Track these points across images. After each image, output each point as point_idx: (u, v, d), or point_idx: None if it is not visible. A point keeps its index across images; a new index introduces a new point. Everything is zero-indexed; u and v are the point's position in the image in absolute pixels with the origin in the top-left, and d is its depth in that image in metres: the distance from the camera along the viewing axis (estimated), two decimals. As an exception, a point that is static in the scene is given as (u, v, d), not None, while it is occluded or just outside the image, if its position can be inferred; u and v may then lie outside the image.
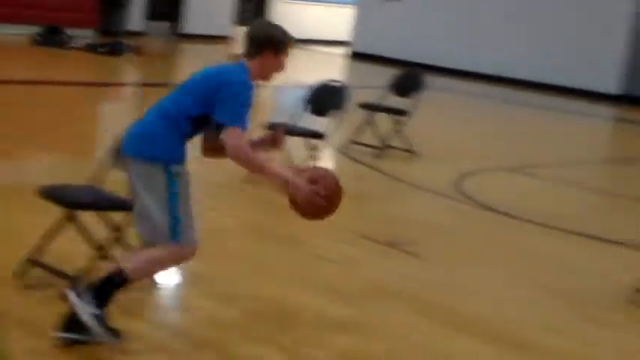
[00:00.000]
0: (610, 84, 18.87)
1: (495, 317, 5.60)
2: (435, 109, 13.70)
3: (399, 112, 10.50)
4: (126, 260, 4.44)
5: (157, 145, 4.32)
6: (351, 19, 23.59)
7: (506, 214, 8.25)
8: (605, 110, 18.23)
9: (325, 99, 8.94)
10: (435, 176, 9.70)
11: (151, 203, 4.31)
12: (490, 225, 8.11)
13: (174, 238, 4.31)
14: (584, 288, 6.36)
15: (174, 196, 4.31)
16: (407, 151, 10.37)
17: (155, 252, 4.36)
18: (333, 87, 9.08)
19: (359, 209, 7.81)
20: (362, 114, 10.53)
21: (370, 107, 10.64)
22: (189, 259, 4.47)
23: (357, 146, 10.35)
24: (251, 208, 7.65)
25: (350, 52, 23.33)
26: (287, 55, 4.51)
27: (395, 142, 10.36)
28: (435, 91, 13.17)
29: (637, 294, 6.02)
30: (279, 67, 4.48)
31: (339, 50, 24.05)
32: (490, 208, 8.50)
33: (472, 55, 20.66)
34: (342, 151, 10.28)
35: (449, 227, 7.75)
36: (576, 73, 19.16)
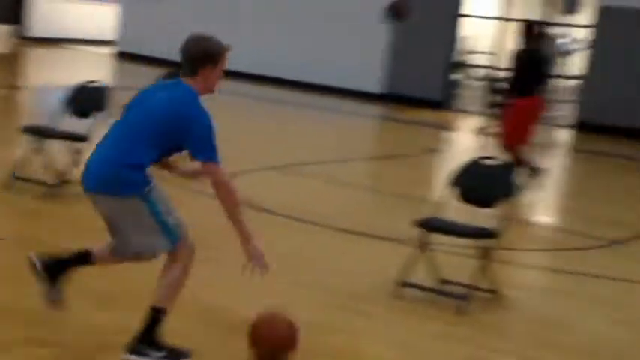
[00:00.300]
0: (374, 83, 19.46)
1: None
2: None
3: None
4: (157, 298, 4.58)
5: (125, 186, 4.41)
6: (116, 18, 23.08)
7: (276, 213, 8.28)
8: (371, 109, 18.78)
9: (86, 100, 8.60)
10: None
11: (137, 226, 4.47)
12: (261, 225, 8.09)
13: (173, 242, 4.52)
14: (352, 284, 6.46)
15: (154, 206, 4.44)
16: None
17: (170, 275, 4.58)
18: (95, 87, 8.76)
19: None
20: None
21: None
22: (194, 251, 4.66)
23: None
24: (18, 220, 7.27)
25: (115, 52, 22.84)
26: (225, 62, 4.57)
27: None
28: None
29: (400, 288, 6.18)
30: (220, 75, 4.55)
31: (105, 50, 23.48)
32: (256, 208, 8.51)
33: (236, 54, 20.68)
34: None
35: (217, 228, 7.67)
36: (343, 73, 19.63)
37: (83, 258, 4.71)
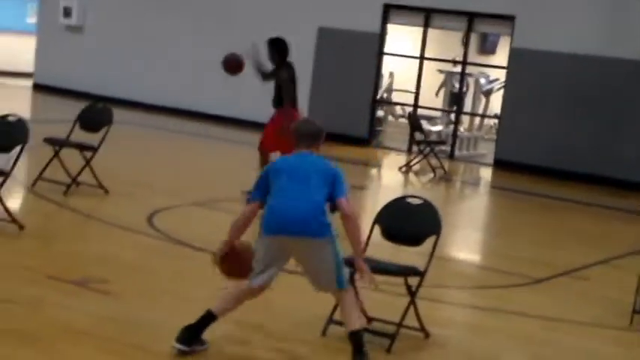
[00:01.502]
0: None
1: (185, 356, 5.51)
2: (122, 144, 13.41)
3: (87, 148, 10.12)
4: (348, 327, 5.64)
5: (322, 227, 5.59)
6: (34, 50, 22.72)
7: (200, 249, 8.17)
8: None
9: (3, 134, 8.40)
10: (127, 213, 9.46)
11: (322, 268, 5.63)
12: (185, 260, 8.00)
13: (342, 286, 5.65)
14: (276, 321, 6.38)
15: (339, 256, 5.64)
16: (96, 187, 10.04)
17: (346, 311, 5.71)
18: (11, 121, 8.55)
19: (46, 248, 7.42)
20: (48, 149, 10.07)
21: (56, 142, 10.20)
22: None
23: (44, 183, 9.87)
24: None
25: (33, 84, 22.47)
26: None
27: (83, 179, 10.00)
28: (122, 124, 12.87)
29: (327, 326, 6.12)
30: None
31: (24, 82, 23.08)
32: (184, 244, 8.40)
33: (152, 87, 20.62)
34: (28, 189, 9.77)
35: (142, 264, 7.56)
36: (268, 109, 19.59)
37: (208, 319, 5.60)
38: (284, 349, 5.84)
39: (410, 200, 6.54)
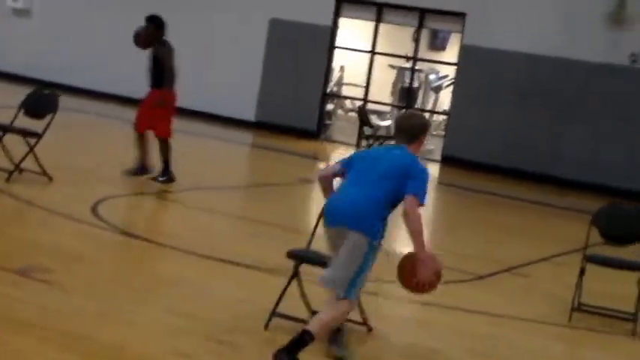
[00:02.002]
0: (249, 111, 19.42)
1: (131, 344, 5.46)
2: (67, 131, 13.25)
3: (31, 134, 9.96)
4: (313, 325, 5.39)
5: (370, 224, 5.49)
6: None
7: (145, 239, 8.10)
8: (244, 136, 18.72)
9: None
10: (71, 201, 9.35)
11: (347, 261, 5.47)
12: (129, 250, 7.93)
13: (348, 295, 5.47)
14: (221, 313, 6.34)
15: (366, 265, 5.51)
16: (40, 174, 9.89)
17: (330, 314, 5.47)
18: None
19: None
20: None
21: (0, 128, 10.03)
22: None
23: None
24: None
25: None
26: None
27: (27, 165, 9.85)
28: (68, 111, 12.72)
29: (270, 319, 6.10)
30: (424, 144, 5.94)
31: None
32: (128, 233, 8.32)
33: (99, 74, 20.38)
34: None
35: (86, 253, 7.47)
36: (216, 99, 19.52)
37: (304, 339, 5.33)
38: (225, 341, 5.80)
39: None
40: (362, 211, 5.49)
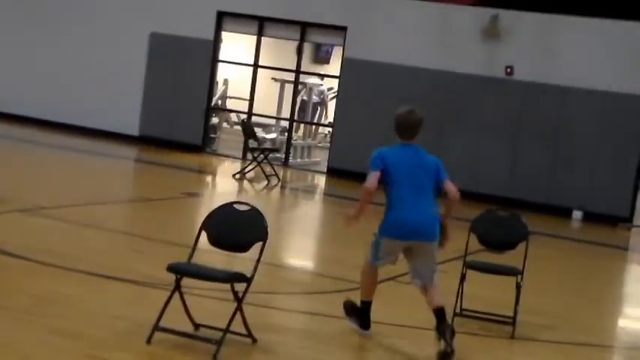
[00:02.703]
0: (135, 126, 19.18)
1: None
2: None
3: None
4: (438, 302, 6.61)
5: (437, 231, 6.68)
6: None
7: (23, 257, 7.89)
8: (128, 151, 18.45)
9: None
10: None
11: (430, 263, 6.69)
12: (6, 270, 7.70)
13: (432, 282, 6.71)
14: (102, 329, 6.23)
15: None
16: None
17: (438, 294, 6.71)
18: None
19: None
20: None
21: None
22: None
23: None
24: None
25: None
26: None
27: None
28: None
29: (153, 333, 6.02)
30: None
31: None
32: (5, 252, 8.09)
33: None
34: None
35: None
36: (98, 113, 19.23)
37: (443, 312, 6.54)
38: (108, 358, 5.69)
39: (237, 206, 6.51)
40: (433, 224, 6.57)
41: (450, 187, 6.61)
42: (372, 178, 6.61)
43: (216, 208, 6.52)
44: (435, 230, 6.61)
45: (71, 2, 19.87)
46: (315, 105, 21.70)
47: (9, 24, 20.26)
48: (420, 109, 6.73)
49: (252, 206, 6.47)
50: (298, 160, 19.17)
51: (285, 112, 19.72)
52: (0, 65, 20.22)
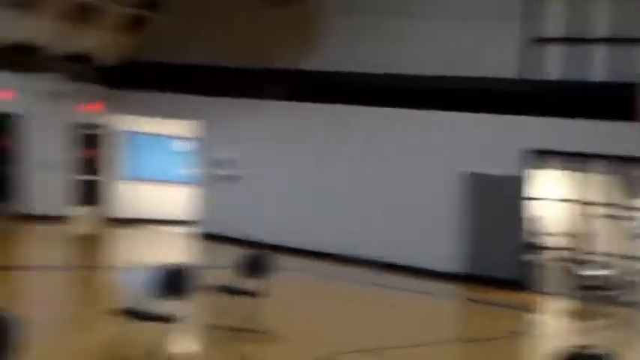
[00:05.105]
0: (453, 263, 19.24)
1: None
2: (286, 290, 13.48)
3: (250, 294, 10.23)
4: None
5: None
6: (194, 199, 23.36)
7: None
8: (450, 289, 18.43)
9: (173, 281, 8.61)
10: (291, 359, 9.39)
11: None
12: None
13: None
14: None
15: None
16: (261, 333, 10.07)
17: None
18: (180, 269, 8.77)
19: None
20: (212, 296, 10.23)
21: (221, 289, 10.35)
22: None
23: (210, 329, 9.98)
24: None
25: (196, 232, 22.93)
26: None
27: (248, 325, 10.05)
28: (285, 271, 13.01)
29: None
30: None
31: (179, 229, 23.69)
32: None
33: (313, 234, 20.81)
34: (195, 335, 9.87)
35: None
36: (419, 252, 19.49)
37: None
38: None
39: (584, 351, 6.05)
40: None
41: None
42: None
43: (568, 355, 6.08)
44: None
45: (378, 139, 20.63)
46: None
47: (325, 166, 21.27)
48: None
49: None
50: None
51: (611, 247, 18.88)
52: (326, 206, 21.07)
